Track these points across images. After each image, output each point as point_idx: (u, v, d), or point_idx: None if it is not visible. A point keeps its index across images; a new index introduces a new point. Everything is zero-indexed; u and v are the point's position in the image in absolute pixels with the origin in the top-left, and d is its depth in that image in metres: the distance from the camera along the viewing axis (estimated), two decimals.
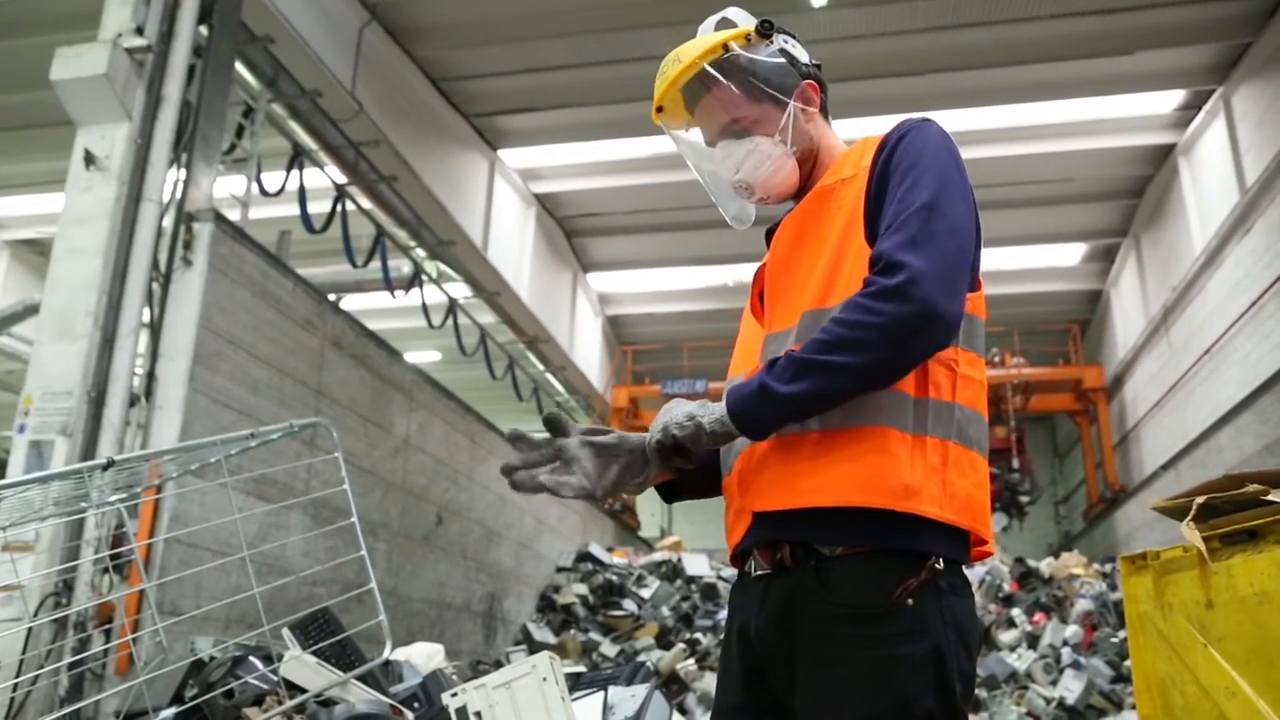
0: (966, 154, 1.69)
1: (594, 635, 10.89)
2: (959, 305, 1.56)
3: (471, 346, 12.73)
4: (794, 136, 1.80)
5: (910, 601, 1.52)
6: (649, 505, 19.57)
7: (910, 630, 1.51)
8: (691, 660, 9.23)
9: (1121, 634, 9.44)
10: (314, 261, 10.31)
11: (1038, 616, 10.56)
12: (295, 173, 8.61)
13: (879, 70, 10.74)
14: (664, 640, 10.55)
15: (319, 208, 8.98)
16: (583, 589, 12.08)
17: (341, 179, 9.77)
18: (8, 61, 9.23)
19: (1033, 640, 10.01)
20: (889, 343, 1.49)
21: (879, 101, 11.03)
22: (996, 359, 16.22)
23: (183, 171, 6.20)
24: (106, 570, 5.21)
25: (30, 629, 4.76)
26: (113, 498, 2.62)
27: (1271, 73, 10.04)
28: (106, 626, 5.16)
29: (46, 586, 5.08)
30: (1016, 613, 10.67)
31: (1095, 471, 16.93)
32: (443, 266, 11.92)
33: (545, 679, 2.76)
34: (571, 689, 3.20)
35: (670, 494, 1.90)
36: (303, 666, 3.32)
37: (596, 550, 13.47)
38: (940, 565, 1.55)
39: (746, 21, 1.86)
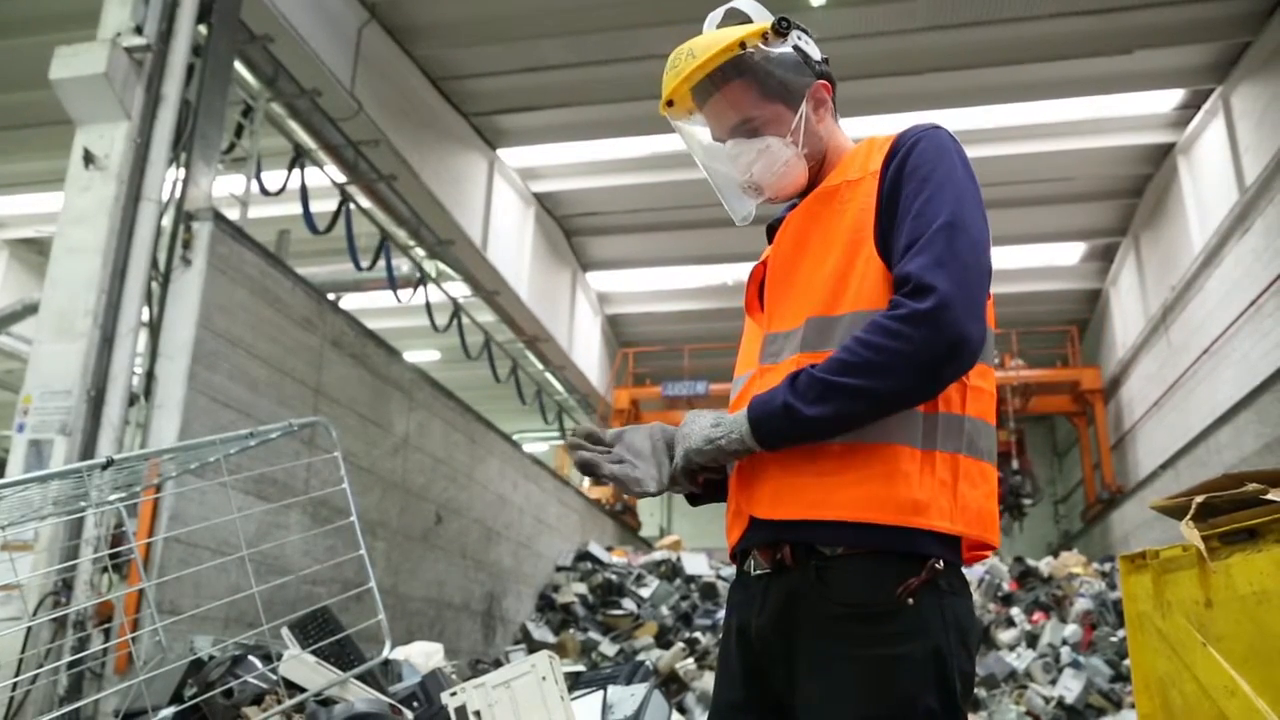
0: (967, 153, 1.69)
1: (593, 634, 10.89)
2: (984, 328, 1.55)
3: (474, 349, 12.74)
4: (805, 137, 1.78)
5: (910, 601, 1.52)
6: (648, 504, 19.57)
7: (910, 630, 1.51)
8: (690, 659, 9.23)
9: (1121, 633, 9.44)
10: (313, 261, 10.31)
11: (1037, 616, 10.56)
12: (296, 172, 8.61)
13: (878, 70, 10.73)
14: (663, 639, 10.56)
15: (318, 207, 8.97)
16: (582, 588, 12.08)
17: (341, 178, 9.78)
18: (7, 60, 9.22)
19: (1032, 639, 10.02)
20: (918, 370, 1.49)
21: (878, 101, 11.03)
22: (996, 361, 16.11)
23: (182, 171, 6.19)
24: (106, 569, 5.20)
25: (29, 628, 4.76)
26: (112, 497, 2.62)
27: (1271, 72, 10.04)
28: (106, 626, 5.16)
29: (46, 586, 5.08)
30: (1016, 612, 10.67)
31: (1093, 472, 16.97)
32: (442, 266, 11.92)
33: (544, 678, 2.76)
34: (571, 688, 3.20)
35: (694, 499, 1.88)
36: (302, 665, 3.32)
37: (596, 549, 13.48)
38: (940, 565, 1.55)
39: (758, 13, 1.82)
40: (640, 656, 9.30)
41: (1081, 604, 10.43)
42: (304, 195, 8.66)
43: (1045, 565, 12.24)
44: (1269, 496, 1.77)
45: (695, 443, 1.63)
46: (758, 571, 1.68)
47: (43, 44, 6.28)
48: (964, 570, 1.64)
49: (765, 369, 1.68)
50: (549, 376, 16.13)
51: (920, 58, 10.73)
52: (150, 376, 5.82)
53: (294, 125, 8.97)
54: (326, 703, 3.21)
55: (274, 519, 6.63)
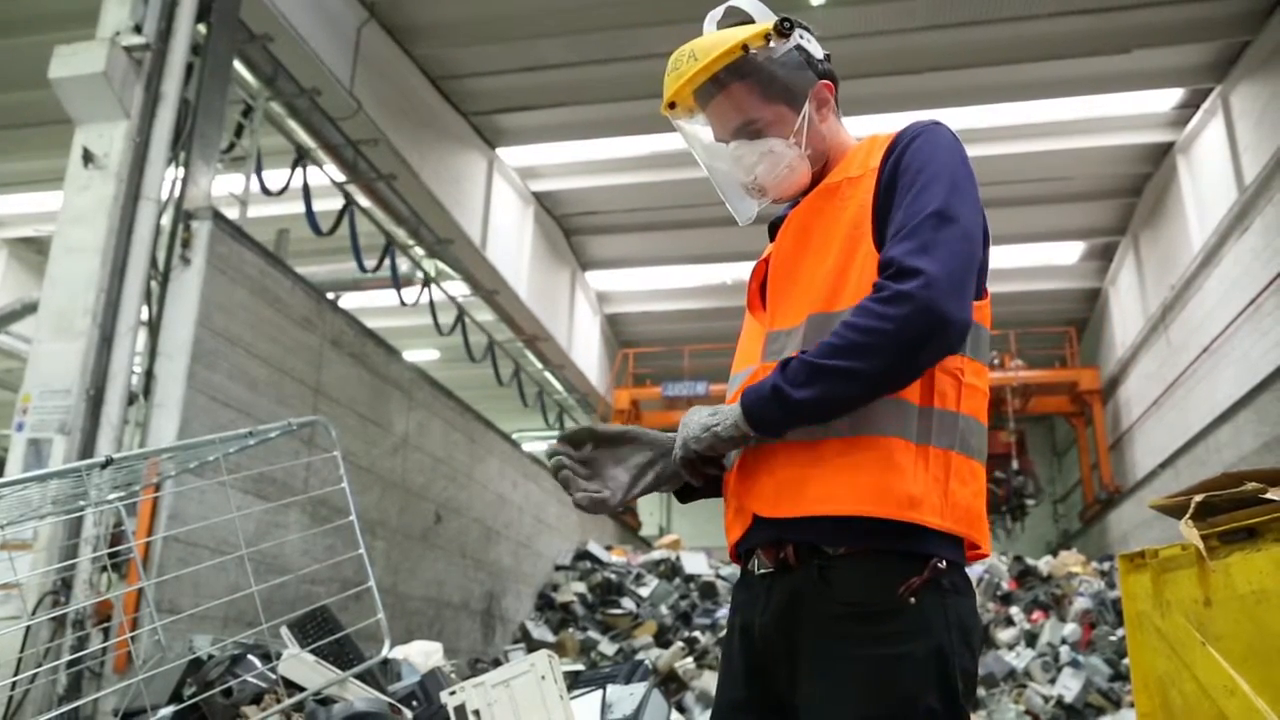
0: (966, 152, 1.69)
1: (592, 634, 10.89)
2: (968, 311, 1.55)
3: (476, 350, 12.76)
4: (808, 138, 1.78)
5: (913, 600, 1.52)
6: (648, 504, 19.57)
7: (913, 629, 1.51)
8: (690, 658, 9.23)
9: (1120, 632, 9.44)
10: (312, 260, 10.31)
11: (1036, 615, 10.56)
12: (297, 172, 8.62)
13: (877, 69, 10.73)
14: (662, 639, 10.55)
15: (318, 206, 8.96)
16: (581, 587, 12.08)
17: (341, 178, 9.78)
18: (6, 60, 9.22)
19: (1031, 638, 10.02)
20: (899, 348, 1.50)
21: (877, 100, 11.03)
22: (996, 362, 16.28)
23: (181, 170, 6.19)
24: (105, 569, 5.20)
25: (29, 627, 4.76)
26: (111, 496, 2.62)
27: (1270, 71, 10.04)
28: (105, 625, 5.16)
29: (45, 585, 5.08)
30: (1015, 611, 10.68)
31: (1091, 473, 17.03)
32: (441, 265, 11.92)
33: (544, 677, 2.76)
34: (570, 687, 3.20)
35: (685, 495, 1.88)
36: (301, 665, 3.32)
37: (595, 549, 13.47)
38: (943, 565, 1.55)
39: (759, 13, 1.82)
40: (639, 656, 9.29)
41: (1081, 603, 10.43)
42: (306, 197, 8.67)
43: (1044, 564, 12.25)
44: (1268, 495, 1.77)
45: (693, 431, 1.64)
46: (761, 570, 1.68)
47: (42, 43, 6.27)
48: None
49: (767, 366, 1.68)
50: (548, 376, 16.13)
51: (919, 57, 10.73)
52: (149, 376, 5.82)
53: (293, 125, 8.96)
54: (326, 702, 3.21)
55: (273, 518, 6.63)
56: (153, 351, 5.87)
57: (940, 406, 1.60)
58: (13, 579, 4.24)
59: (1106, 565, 11.76)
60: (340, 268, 10.66)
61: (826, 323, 1.61)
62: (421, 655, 4.65)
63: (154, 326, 5.91)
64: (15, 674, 4.44)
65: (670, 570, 12.67)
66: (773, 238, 1.87)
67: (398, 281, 10.43)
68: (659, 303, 17.88)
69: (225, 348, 6.28)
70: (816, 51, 1.84)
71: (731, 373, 1.85)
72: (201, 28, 6.51)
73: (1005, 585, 11.51)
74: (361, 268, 9.88)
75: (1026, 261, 15.90)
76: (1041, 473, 17.78)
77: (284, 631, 3.81)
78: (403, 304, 10.87)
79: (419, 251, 11.52)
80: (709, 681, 8.39)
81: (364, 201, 10.25)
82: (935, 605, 1.54)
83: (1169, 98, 11.86)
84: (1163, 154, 12.90)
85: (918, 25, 10.22)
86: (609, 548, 14.30)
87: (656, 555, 13.45)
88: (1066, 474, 20.73)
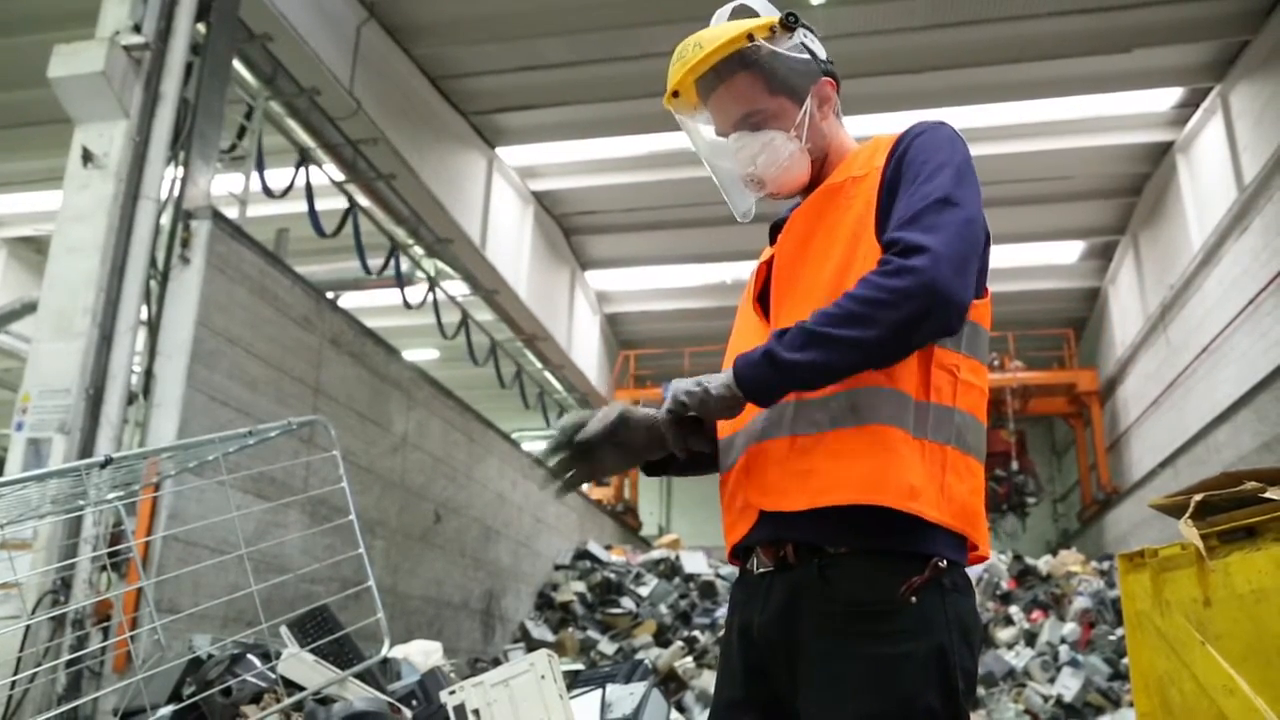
0: (969, 148, 1.69)
1: (592, 633, 10.89)
2: (969, 290, 1.56)
3: (480, 353, 12.79)
4: (809, 133, 1.78)
5: (914, 600, 1.52)
6: (648, 504, 19.57)
7: (914, 628, 1.51)
8: (689, 658, 9.24)
9: (1119, 631, 9.45)
10: (312, 259, 10.31)
11: (1035, 614, 10.57)
12: (300, 173, 8.66)
13: (877, 68, 10.73)
14: (662, 638, 10.56)
15: (318, 205, 8.96)
16: (581, 587, 12.08)
17: (343, 179, 9.78)
18: (5, 59, 9.21)
19: (1030, 638, 10.02)
20: (897, 320, 1.50)
21: (877, 99, 11.03)
22: (996, 363, 16.39)
23: (180, 169, 6.19)
24: (104, 568, 5.20)
25: (28, 627, 4.76)
26: (111, 495, 2.62)
27: (1269, 70, 10.04)
28: (104, 624, 5.16)
29: (44, 584, 5.08)
30: (1014, 610, 10.68)
31: (1089, 474, 17.09)
32: (441, 264, 11.92)
33: (543, 677, 2.76)
34: (569, 687, 3.20)
35: (652, 469, 1.86)
36: (301, 664, 3.32)
37: (595, 548, 13.47)
38: (944, 564, 1.55)
39: (765, 9, 1.83)
40: (639, 655, 9.30)
41: (1080, 602, 10.44)
42: (310, 199, 8.70)
43: (1044, 564, 12.25)
44: (1267, 495, 1.77)
45: (685, 384, 1.62)
46: (760, 570, 1.68)
47: (41, 42, 6.27)
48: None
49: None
50: (548, 376, 16.13)
51: (919, 56, 10.73)
52: (149, 375, 5.82)
53: (293, 124, 8.96)
54: (325, 701, 3.21)
55: (273, 518, 6.63)
56: (152, 351, 5.87)
57: (936, 401, 1.60)
58: (12, 578, 4.23)
59: (1106, 564, 11.77)
60: (340, 267, 10.66)
61: None
62: (421, 655, 4.65)
63: (153, 326, 5.90)
64: (15, 673, 4.43)
65: (670, 570, 12.67)
66: (773, 240, 1.87)
67: (402, 284, 10.46)
68: (659, 302, 17.88)
69: (225, 347, 6.28)
70: (820, 51, 1.85)
71: (724, 368, 1.85)
72: (201, 27, 6.51)
73: (1005, 584, 11.51)
74: (366, 270, 9.90)
75: (1026, 261, 15.91)
76: (1041, 472, 17.85)
77: (283, 631, 3.80)
78: (407, 306, 10.88)
79: (418, 251, 11.52)
80: (708, 681, 8.39)
81: (363, 201, 10.25)
82: (936, 604, 1.53)
83: (1168, 97, 11.86)
84: (1162, 153, 12.90)
85: (918, 25, 10.22)
86: (608, 547, 14.30)
87: (656, 555, 13.45)
88: (1066, 473, 20.75)
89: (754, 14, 1.83)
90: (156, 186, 5.97)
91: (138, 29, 6.04)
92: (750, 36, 1.75)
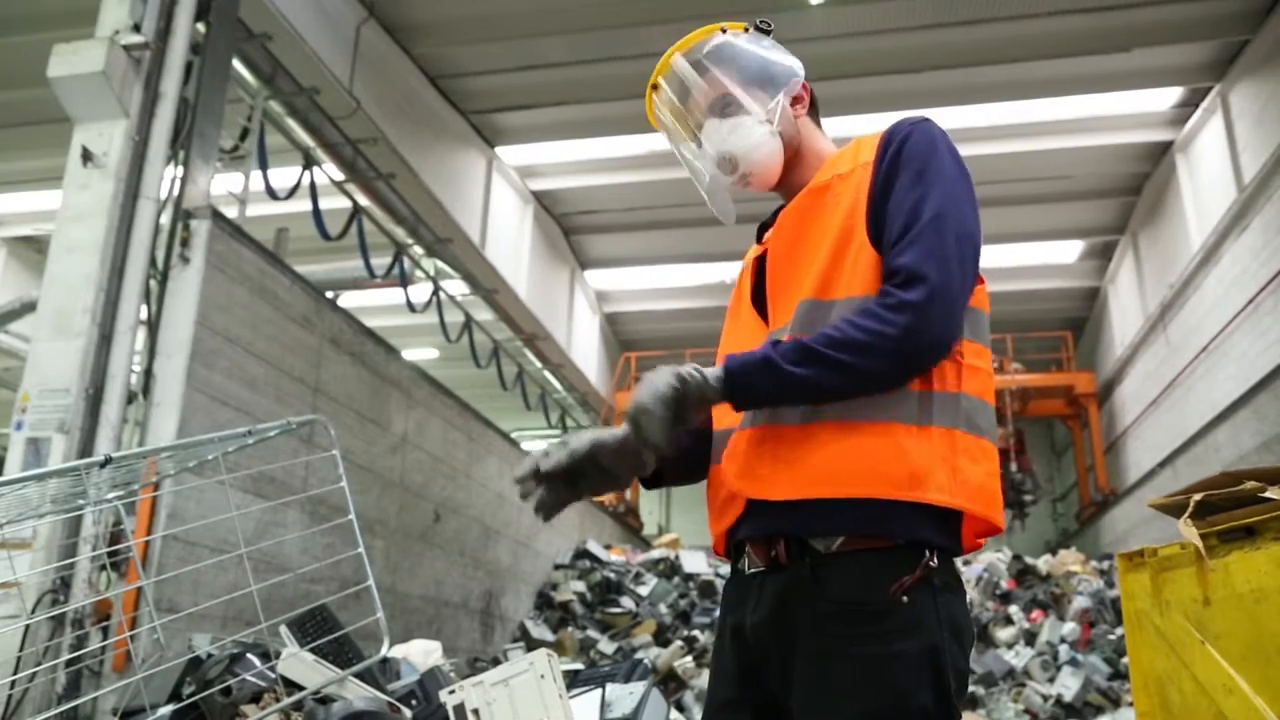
0: (965, 151, 1.70)
1: (592, 633, 10.89)
2: (960, 324, 1.61)
3: (482, 355, 12.81)
4: (781, 122, 1.83)
5: (905, 599, 1.53)
6: (647, 503, 19.57)
7: (906, 627, 1.52)
8: (689, 657, 9.24)
9: (1119, 631, 9.45)
10: (312, 259, 10.31)
11: (1035, 613, 10.56)
12: (303, 175, 8.70)
13: (877, 67, 10.74)
14: (661, 637, 10.56)
15: (319, 204, 8.97)
16: (580, 586, 12.08)
17: (343, 178, 9.79)
18: (5, 58, 9.21)
19: (1030, 637, 10.02)
20: (896, 356, 1.54)
21: (877, 99, 11.03)
22: (995, 365, 16.42)
23: (180, 169, 6.19)
24: (104, 568, 5.20)
25: (28, 626, 4.76)
26: (110, 495, 2.61)
27: (1269, 70, 10.04)
28: (104, 624, 5.16)
29: (44, 584, 5.08)
30: (1014, 610, 10.67)
31: (1087, 475, 17.18)
32: (441, 264, 11.93)
33: (543, 676, 2.76)
34: (569, 686, 3.20)
35: (651, 481, 1.86)
36: (300, 664, 3.32)
37: (594, 548, 13.47)
38: (935, 563, 1.56)
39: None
40: (638, 654, 9.30)
41: (1080, 602, 10.44)
42: (315, 203, 8.72)
43: (1043, 563, 12.25)
44: (1267, 494, 1.77)
45: (658, 385, 1.56)
46: (752, 570, 1.68)
47: (41, 42, 6.28)
48: (961, 567, 1.65)
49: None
50: (547, 375, 16.14)
51: (920, 55, 10.73)
52: (148, 374, 5.82)
53: (292, 124, 8.97)
54: (325, 701, 3.20)
55: (272, 517, 6.63)
56: (152, 350, 5.87)
57: (940, 389, 1.61)
58: (12, 578, 4.23)
59: (1105, 564, 11.77)
60: (339, 266, 10.66)
61: (818, 309, 1.63)
62: (421, 654, 4.64)
63: (153, 325, 5.91)
64: (14, 673, 4.43)
65: (669, 569, 12.67)
66: (759, 239, 1.90)
67: (406, 286, 10.50)
68: (658, 302, 17.88)
69: (224, 346, 6.29)
70: (796, 65, 1.90)
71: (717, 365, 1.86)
72: (200, 26, 6.51)
73: (1004, 584, 11.51)
74: (370, 273, 9.93)
75: (1026, 260, 15.92)
76: (1041, 472, 17.92)
77: (283, 630, 3.80)
78: (411, 309, 10.90)
79: (418, 251, 11.52)
80: (708, 680, 8.39)
81: (363, 200, 10.25)
82: (927, 603, 1.54)
83: (1168, 96, 11.87)
84: (1162, 153, 12.91)
85: (918, 24, 10.22)
86: (608, 546, 14.30)
87: (655, 554, 13.45)
88: (1065, 473, 20.77)
89: None
90: (156, 186, 5.97)
91: (137, 28, 6.04)
92: (724, 29, 1.88)
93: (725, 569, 12.33)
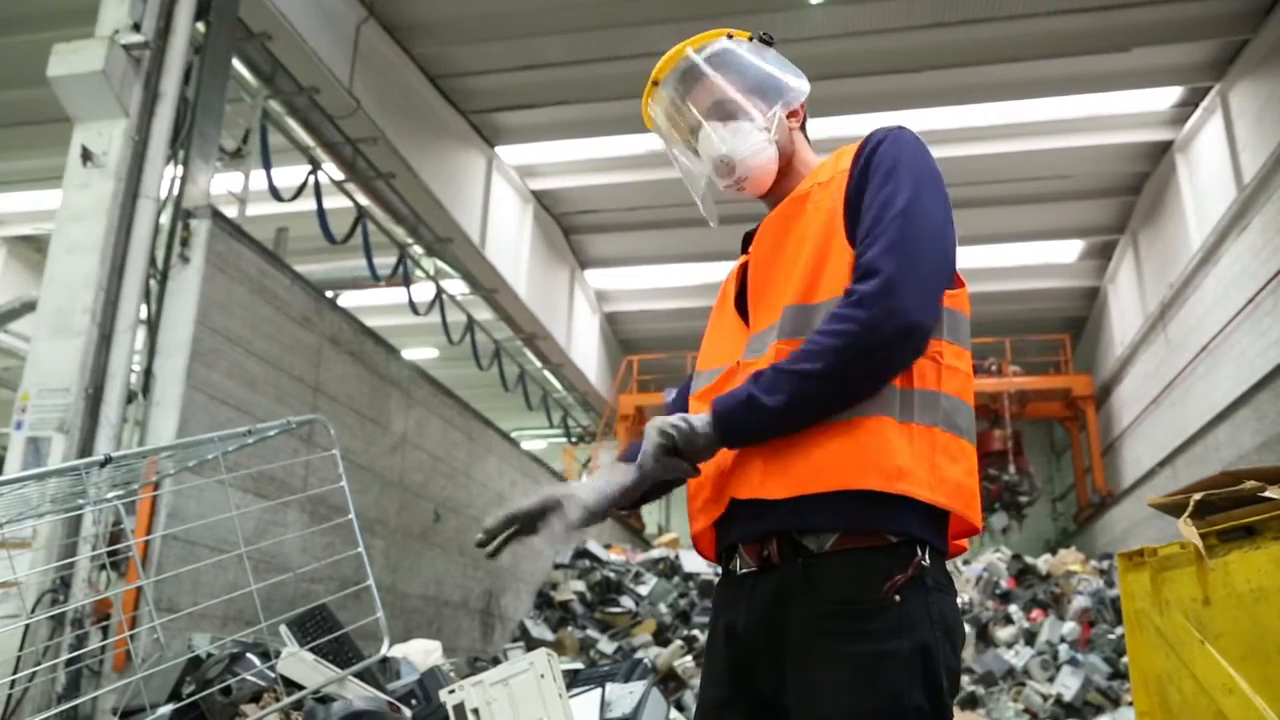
0: (963, 150, 1.71)
1: (591, 632, 10.89)
2: (935, 310, 1.62)
3: (484, 356, 12.82)
4: (778, 131, 1.87)
5: (898, 598, 1.54)
6: (648, 504, 19.54)
7: (898, 626, 1.53)
8: (689, 657, 9.24)
9: (1119, 630, 9.45)
10: (311, 258, 10.32)
11: (1035, 613, 10.56)
12: (309, 178, 8.73)
13: (877, 67, 10.73)
14: (661, 637, 10.56)
15: (315, 202, 8.98)
16: (580, 586, 12.07)
17: (342, 178, 9.79)
18: (4, 58, 9.21)
19: (1030, 637, 10.02)
20: (867, 350, 1.55)
21: (877, 98, 11.03)
22: (994, 368, 16.62)
23: (180, 168, 6.19)
24: (104, 567, 5.20)
25: (27, 626, 4.76)
26: (110, 494, 2.62)
27: (1269, 69, 10.04)
28: (104, 623, 5.16)
29: (44, 583, 5.08)
30: (1014, 609, 10.67)
31: (1084, 477, 17.25)
32: (440, 263, 11.93)
33: (543, 676, 2.76)
34: (569, 686, 3.20)
35: (637, 503, 1.89)
36: (300, 663, 3.32)
37: (594, 547, 13.46)
38: (926, 562, 1.57)
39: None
40: (638, 654, 9.30)
41: (1079, 601, 10.44)
42: (320, 207, 8.73)
43: (1043, 562, 12.25)
44: (1267, 494, 1.77)
45: (670, 419, 1.63)
46: (744, 571, 1.69)
47: (40, 41, 6.28)
48: (960, 566, 1.66)
49: (746, 364, 1.72)
50: (547, 375, 16.14)
51: (919, 55, 10.73)
52: (148, 374, 5.82)
53: (292, 123, 8.97)
54: (325, 700, 3.21)
55: (272, 517, 6.63)
56: (151, 350, 5.87)
57: (921, 387, 1.63)
58: (12, 577, 4.23)
59: (1105, 564, 11.77)
60: (339, 266, 10.66)
61: (802, 314, 1.66)
62: (420, 654, 4.65)
63: (153, 325, 5.91)
64: (14, 672, 4.44)
65: (669, 568, 12.67)
66: (744, 249, 1.93)
67: (410, 289, 10.51)
68: (658, 301, 17.88)
69: (224, 346, 6.28)
70: (791, 74, 1.94)
71: (698, 369, 1.90)
72: (200, 26, 6.51)
73: (1004, 583, 11.51)
74: (375, 276, 9.94)
75: (1025, 260, 15.91)
76: (1040, 471, 18.00)
77: (283, 630, 3.80)
78: (415, 312, 10.90)
79: (418, 250, 11.52)
80: (700, 681, 8.39)
81: (363, 200, 10.25)
82: (919, 603, 1.55)
83: (1168, 96, 11.86)
84: (1161, 152, 12.90)
85: (918, 23, 10.22)
86: (608, 546, 14.29)
87: (655, 554, 13.45)
88: (1065, 472, 20.77)
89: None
90: (156, 185, 5.97)
91: (137, 28, 6.04)
92: (729, 35, 1.92)
93: (721, 569, 12.30)
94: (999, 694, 8.83)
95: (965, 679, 8.83)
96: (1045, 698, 8.58)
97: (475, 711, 2.74)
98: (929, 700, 1.51)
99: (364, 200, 10.29)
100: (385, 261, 10.40)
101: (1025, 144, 12.54)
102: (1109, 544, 15.04)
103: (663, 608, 11.44)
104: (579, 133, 12.62)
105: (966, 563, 11.91)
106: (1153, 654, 1.89)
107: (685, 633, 10.43)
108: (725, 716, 1.70)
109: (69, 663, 4.98)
